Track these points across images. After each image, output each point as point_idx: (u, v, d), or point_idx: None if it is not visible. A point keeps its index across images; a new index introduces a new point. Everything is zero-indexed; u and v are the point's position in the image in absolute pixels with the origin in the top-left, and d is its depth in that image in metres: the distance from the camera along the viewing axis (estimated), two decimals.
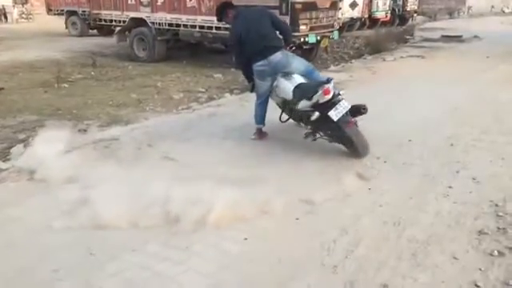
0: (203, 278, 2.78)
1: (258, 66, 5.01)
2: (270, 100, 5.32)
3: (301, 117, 4.90)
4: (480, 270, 2.86)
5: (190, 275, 2.81)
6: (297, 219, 3.46)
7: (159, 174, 4.19)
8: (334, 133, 4.66)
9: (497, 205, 3.68)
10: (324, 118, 4.42)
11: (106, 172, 4.14)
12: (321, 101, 4.42)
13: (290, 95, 4.88)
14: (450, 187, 4.01)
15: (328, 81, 4.49)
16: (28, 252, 3.07)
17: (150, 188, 3.71)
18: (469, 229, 3.33)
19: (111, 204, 3.48)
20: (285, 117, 5.27)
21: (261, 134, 5.30)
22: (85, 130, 5.58)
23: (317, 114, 4.44)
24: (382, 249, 3.10)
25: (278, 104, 5.34)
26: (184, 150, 4.89)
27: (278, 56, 4.98)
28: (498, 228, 3.33)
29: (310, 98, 4.51)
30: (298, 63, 5.15)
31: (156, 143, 5.09)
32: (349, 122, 4.47)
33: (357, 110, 4.61)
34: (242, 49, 5.01)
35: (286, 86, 4.95)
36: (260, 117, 5.28)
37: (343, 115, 4.41)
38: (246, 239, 3.19)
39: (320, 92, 4.39)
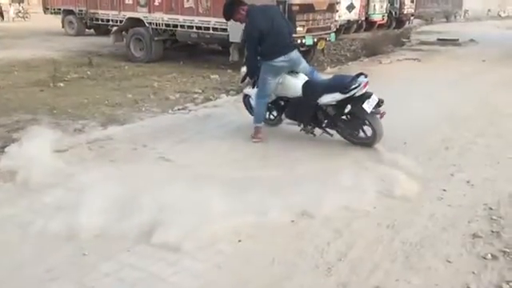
0: (196, 278, 2.77)
1: (279, 61, 4.96)
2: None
3: (313, 112, 5.04)
4: (473, 273, 2.86)
5: (183, 275, 2.80)
6: (292, 221, 3.45)
7: (154, 175, 4.18)
8: (350, 126, 5.00)
9: (491, 208, 3.69)
10: (354, 110, 4.81)
11: (100, 173, 4.13)
12: (358, 94, 4.71)
13: (297, 92, 5.05)
14: (445, 190, 4.01)
15: (363, 75, 4.80)
16: (20, 252, 3.05)
17: (142, 192, 3.67)
18: (463, 232, 3.34)
19: (97, 210, 3.41)
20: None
21: (261, 133, 5.23)
22: (80, 130, 5.56)
23: (349, 106, 4.78)
24: (376, 251, 3.10)
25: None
26: (179, 151, 4.89)
27: (296, 53, 5.12)
28: (492, 231, 3.34)
29: (345, 92, 4.73)
30: (305, 63, 5.31)
31: (151, 143, 5.08)
32: (379, 114, 4.82)
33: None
34: (261, 45, 4.91)
35: (295, 83, 5.09)
36: (261, 115, 5.24)
37: (374, 107, 4.74)
38: (239, 241, 3.18)
39: (361, 85, 4.69)
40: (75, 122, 5.84)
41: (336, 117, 5.01)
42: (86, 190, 3.70)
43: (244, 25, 5.12)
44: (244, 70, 5.46)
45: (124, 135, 5.39)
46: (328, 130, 5.15)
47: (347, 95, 4.76)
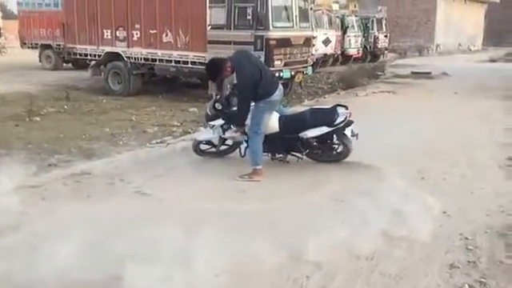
0: None
1: (276, 96, 5.13)
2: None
3: (290, 144, 5.34)
4: None
5: None
6: (270, 254, 3.40)
7: (129, 212, 4.11)
8: (326, 149, 5.46)
9: (467, 238, 3.73)
10: (339, 139, 5.38)
11: (73, 210, 4.05)
12: (343, 123, 5.20)
13: (275, 128, 5.23)
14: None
15: (343, 107, 5.32)
16: None
17: (116, 231, 3.57)
18: (440, 263, 3.36)
19: (68, 252, 3.27)
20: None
21: (262, 175, 5.08)
22: (55, 165, 5.47)
23: (335, 136, 5.34)
24: (355, 283, 3.09)
25: (235, 139, 5.46)
26: (157, 185, 4.84)
27: (280, 84, 5.32)
28: (469, 261, 3.37)
29: (332, 125, 5.18)
30: None
31: (128, 178, 5.01)
32: (354, 136, 5.32)
33: None
34: (257, 89, 4.94)
35: (273, 120, 5.24)
36: (260, 155, 5.13)
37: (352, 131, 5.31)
38: (217, 276, 3.13)
39: (347, 118, 5.19)
40: (51, 157, 5.74)
41: (316, 145, 5.36)
42: (57, 230, 3.60)
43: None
44: (216, 123, 5.39)
45: (101, 170, 5.32)
46: (297, 154, 5.44)
47: (334, 128, 5.20)
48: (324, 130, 5.21)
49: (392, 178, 5.03)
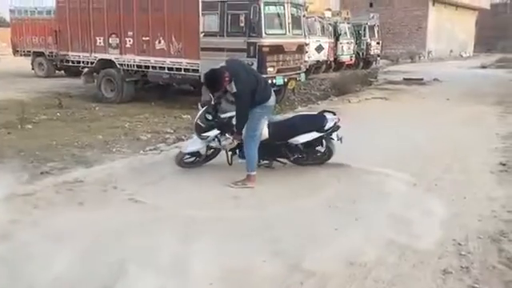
0: None
1: (271, 101, 5.22)
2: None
3: (280, 150, 5.42)
4: None
5: None
6: (264, 261, 3.42)
7: (122, 219, 4.09)
8: (311, 152, 5.55)
9: (460, 244, 3.74)
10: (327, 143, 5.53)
11: (66, 219, 4.02)
12: (332, 127, 5.35)
13: (265, 135, 5.23)
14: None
15: (331, 113, 5.51)
16: None
17: (108, 240, 3.56)
18: (433, 268, 3.36)
19: (57, 263, 3.23)
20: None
21: (255, 181, 5.08)
22: (48, 172, 5.44)
23: (324, 141, 5.47)
24: None
25: (225, 147, 5.41)
26: (150, 192, 4.82)
27: (273, 91, 5.39)
28: (462, 267, 3.38)
29: (323, 131, 5.31)
30: None
31: (122, 185, 5.00)
32: (339, 140, 5.42)
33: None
34: (254, 95, 4.99)
35: (264, 127, 5.22)
36: (255, 161, 5.12)
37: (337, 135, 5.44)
38: (211, 284, 3.12)
39: (336, 123, 5.36)
40: (43, 165, 5.70)
41: (304, 150, 5.48)
42: (50, 238, 3.59)
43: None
44: (211, 134, 5.32)
45: (94, 177, 5.29)
46: (283, 160, 5.54)
47: (324, 133, 5.31)
48: (314, 135, 5.33)
49: (384, 184, 5.06)
